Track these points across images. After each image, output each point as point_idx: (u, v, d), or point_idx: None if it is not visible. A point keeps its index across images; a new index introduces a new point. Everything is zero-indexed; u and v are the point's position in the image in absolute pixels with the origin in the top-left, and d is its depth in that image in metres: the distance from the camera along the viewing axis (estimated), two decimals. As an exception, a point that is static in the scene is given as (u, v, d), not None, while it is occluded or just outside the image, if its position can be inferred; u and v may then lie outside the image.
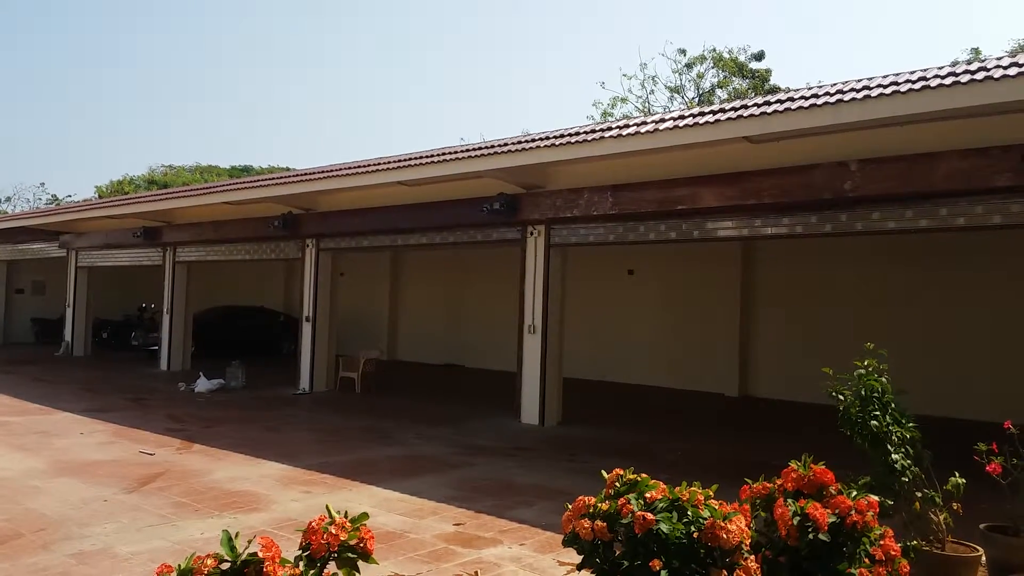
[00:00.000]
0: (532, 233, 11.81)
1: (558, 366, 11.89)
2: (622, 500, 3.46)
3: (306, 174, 14.45)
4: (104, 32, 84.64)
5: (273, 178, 16.26)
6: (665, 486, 3.56)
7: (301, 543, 2.93)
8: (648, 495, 3.48)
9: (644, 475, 3.67)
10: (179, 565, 2.69)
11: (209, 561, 2.69)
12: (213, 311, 22.20)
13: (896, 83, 7.39)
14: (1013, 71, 6.65)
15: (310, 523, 2.95)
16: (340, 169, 13.51)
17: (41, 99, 79.53)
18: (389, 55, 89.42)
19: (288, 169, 30.99)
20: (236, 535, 2.82)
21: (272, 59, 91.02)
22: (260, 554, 2.71)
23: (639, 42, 72.36)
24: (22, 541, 5.61)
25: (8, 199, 46.08)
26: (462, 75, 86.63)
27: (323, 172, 13.80)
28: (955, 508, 4.71)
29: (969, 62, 7.59)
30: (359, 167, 13.03)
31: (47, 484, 7.35)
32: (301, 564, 2.84)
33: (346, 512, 3.07)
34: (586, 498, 3.56)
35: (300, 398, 14.61)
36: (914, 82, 7.23)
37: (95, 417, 11.34)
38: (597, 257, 15.83)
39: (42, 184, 56.09)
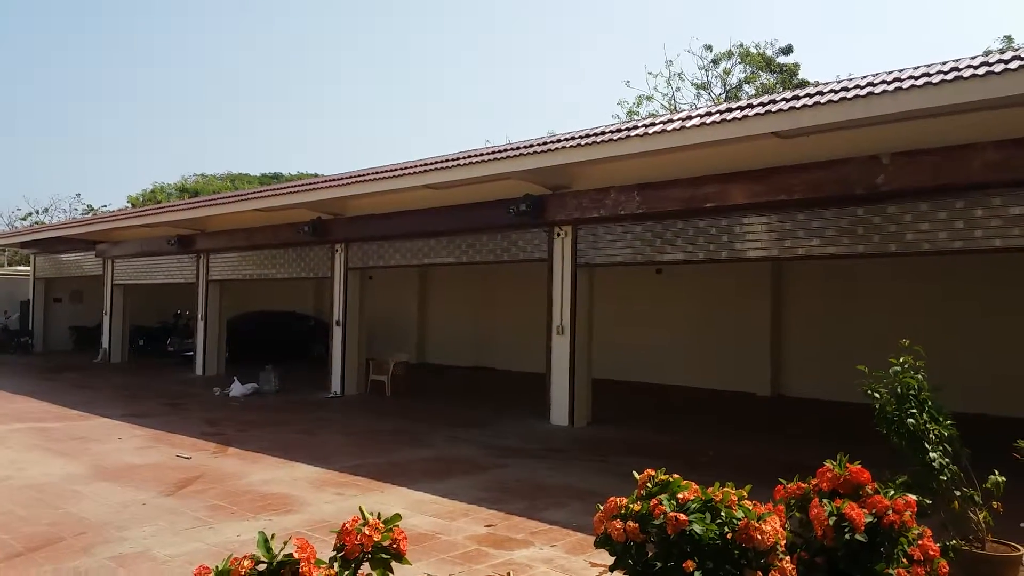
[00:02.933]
0: (559, 234, 11.80)
1: (587, 367, 11.86)
2: (654, 501, 3.45)
3: (334, 180, 14.60)
4: (133, 44, 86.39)
5: (302, 184, 16.45)
6: (698, 487, 3.54)
7: (335, 544, 2.96)
8: (680, 496, 3.46)
9: (676, 476, 3.65)
10: (216, 567, 2.74)
11: (246, 562, 2.73)
12: (246, 316, 22.52)
13: (928, 74, 7.26)
14: (1049, 59, 6.50)
15: (344, 524, 2.98)
16: (368, 174, 13.62)
17: (75, 111, 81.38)
18: (416, 58, 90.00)
19: (317, 175, 31.34)
20: (272, 536, 2.87)
21: (300, 66, 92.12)
22: (296, 555, 2.75)
23: (664, 39, 71.87)
24: (63, 545, 5.74)
25: (46, 210, 47.15)
26: (488, 77, 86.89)
27: (351, 177, 13.92)
28: (995, 507, 4.61)
29: (1002, 51, 7.43)
30: (386, 172, 13.13)
31: (87, 488, 7.51)
32: (336, 565, 2.87)
33: (379, 513, 3.10)
34: (618, 499, 3.55)
35: (332, 401, 14.75)
36: (946, 73, 7.09)
37: (133, 422, 11.57)
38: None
39: (78, 195, 57.29)
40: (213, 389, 15.67)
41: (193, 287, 19.46)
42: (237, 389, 15.14)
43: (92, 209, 45.01)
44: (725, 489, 3.47)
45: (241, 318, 22.04)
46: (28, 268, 28.20)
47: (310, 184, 15.67)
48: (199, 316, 19.23)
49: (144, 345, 23.97)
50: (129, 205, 43.04)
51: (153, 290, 24.11)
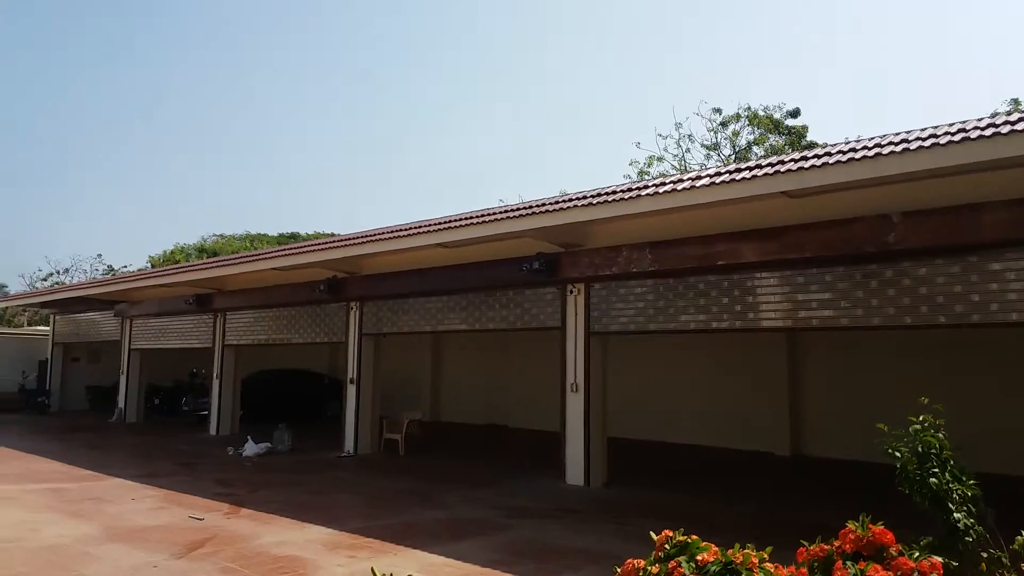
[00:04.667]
0: (572, 291, 11.86)
1: (602, 425, 11.76)
2: (672, 563, 3.41)
3: (349, 239, 14.82)
4: (154, 105, 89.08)
5: (317, 244, 16.70)
6: (717, 549, 3.49)
7: (351, 607, 2.93)
8: (700, 557, 3.42)
9: (695, 537, 3.61)
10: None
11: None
12: (260, 374, 22.58)
13: (935, 135, 7.37)
14: (1055, 119, 6.60)
15: (360, 587, 2.96)
16: (382, 233, 13.82)
17: (97, 173, 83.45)
18: (430, 122, 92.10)
19: (333, 235, 31.78)
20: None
21: (318, 129, 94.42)
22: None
23: (673, 102, 73.33)
24: (76, 607, 5.68)
25: (67, 270, 47.89)
26: (500, 140, 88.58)
27: (365, 236, 14.13)
28: (1023, 568, 4.50)
29: (1009, 112, 7.54)
30: (400, 231, 13.32)
31: (99, 550, 7.46)
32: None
33: (392, 575, 3.08)
34: (635, 561, 3.51)
35: (345, 461, 14.64)
36: (953, 134, 7.20)
37: (146, 483, 11.52)
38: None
39: (99, 255, 58.30)
40: (227, 449, 15.62)
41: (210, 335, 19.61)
42: (251, 448, 15.08)
43: (112, 270, 45.70)
44: (745, 551, 3.42)
45: (256, 376, 22.10)
46: (47, 328, 28.52)
47: (325, 243, 15.90)
48: (214, 375, 19.30)
49: (159, 404, 24.03)
50: (149, 265, 43.69)
51: (170, 349, 24.30)
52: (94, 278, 41.15)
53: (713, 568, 3.31)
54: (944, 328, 8.70)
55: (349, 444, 15.38)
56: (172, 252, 46.52)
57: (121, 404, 22.50)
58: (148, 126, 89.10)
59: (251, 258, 17.63)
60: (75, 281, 41.99)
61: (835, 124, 55.14)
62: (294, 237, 46.14)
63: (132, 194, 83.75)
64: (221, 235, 49.43)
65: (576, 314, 11.80)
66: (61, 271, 47.73)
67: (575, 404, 11.70)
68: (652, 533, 3.72)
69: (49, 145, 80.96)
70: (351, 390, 15.59)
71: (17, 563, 6.91)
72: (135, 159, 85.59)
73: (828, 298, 9.20)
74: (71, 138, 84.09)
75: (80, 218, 78.71)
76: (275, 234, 48.89)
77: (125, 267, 45.43)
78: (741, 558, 3.36)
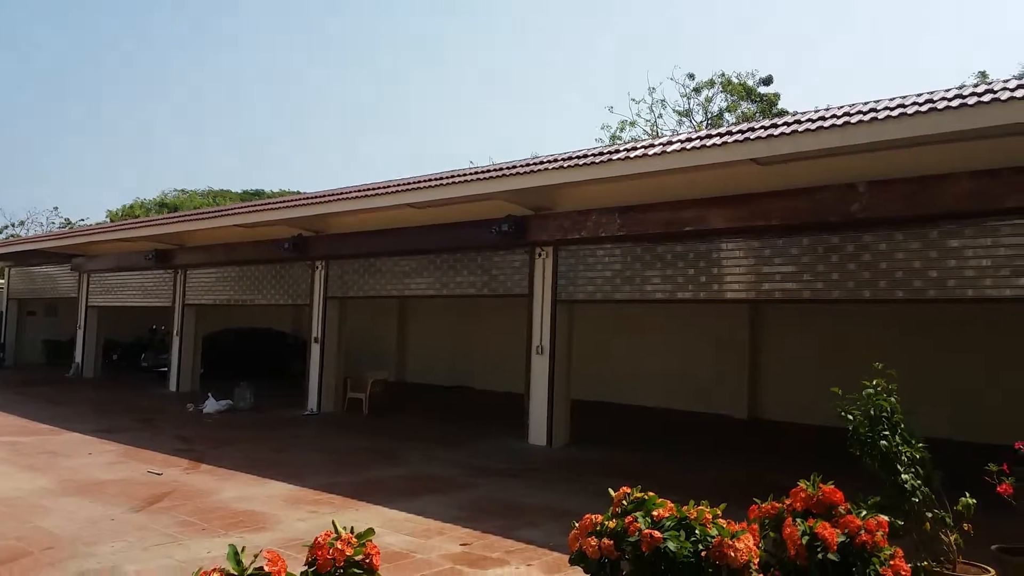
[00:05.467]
0: (540, 254, 11.86)
1: (566, 387, 11.87)
2: (629, 518, 3.46)
3: (316, 197, 14.58)
4: (115, 55, 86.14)
5: (283, 201, 16.41)
6: (673, 505, 3.55)
7: (307, 558, 2.93)
8: (655, 513, 3.47)
9: (652, 494, 3.66)
10: (186, 579, 2.70)
11: (215, 575, 2.69)
12: (222, 332, 22.30)
13: (903, 105, 7.43)
14: (1020, 93, 6.68)
15: (316, 538, 2.96)
16: (349, 192, 13.62)
17: (53, 124, 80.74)
18: (400, 81, 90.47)
19: (299, 193, 31.27)
20: (242, 550, 2.83)
21: (284, 84, 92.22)
22: (266, 568, 2.72)
23: (647, 67, 72.88)
24: (31, 559, 5.61)
25: (22, 223, 46.57)
26: (471, 100, 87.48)
27: (333, 195, 13.91)
28: (966, 528, 4.66)
29: (976, 85, 7.63)
30: (368, 189, 13.14)
31: (55, 503, 7.36)
32: (307, 579, 2.84)
33: (352, 528, 3.07)
34: (593, 516, 3.55)
35: (308, 419, 14.60)
36: (921, 104, 7.26)
37: (104, 437, 11.37)
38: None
39: (55, 208, 56.78)
40: (187, 405, 15.46)
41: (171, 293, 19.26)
42: (211, 405, 14.94)
43: (70, 223, 44.53)
44: (700, 507, 3.49)
45: (217, 334, 21.82)
46: (1, 281, 27.78)
47: (292, 201, 15.63)
48: (174, 332, 19.01)
49: (118, 360, 23.64)
50: (108, 220, 42.62)
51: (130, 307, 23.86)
52: (50, 231, 40.06)
53: (668, 523, 3.37)
54: (900, 302, 8.88)
55: (312, 403, 15.33)
56: (132, 207, 45.45)
57: (78, 359, 22.09)
58: (107, 74, 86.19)
59: (215, 214, 17.28)
60: (31, 234, 40.82)
61: (807, 93, 55.47)
62: (258, 194, 45.33)
63: (90, 146, 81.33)
64: (183, 190, 48.40)
65: (544, 280, 11.80)
66: (16, 223, 46.42)
67: (540, 366, 11.78)
68: (610, 490, 3.77)
69: (2, 95, 77.95)
70: (315, 349, 15.48)
71: (-31, 515, 6.79)
72: (93, 108, 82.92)
73: (791, 271, 9.33)
74: (26, 85, 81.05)
75: (35, 169, 76.29)
76: (239, 191, 47.97)
77: (82, 220, 44.30)
78: (695, 514, 3.42)
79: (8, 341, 25.55)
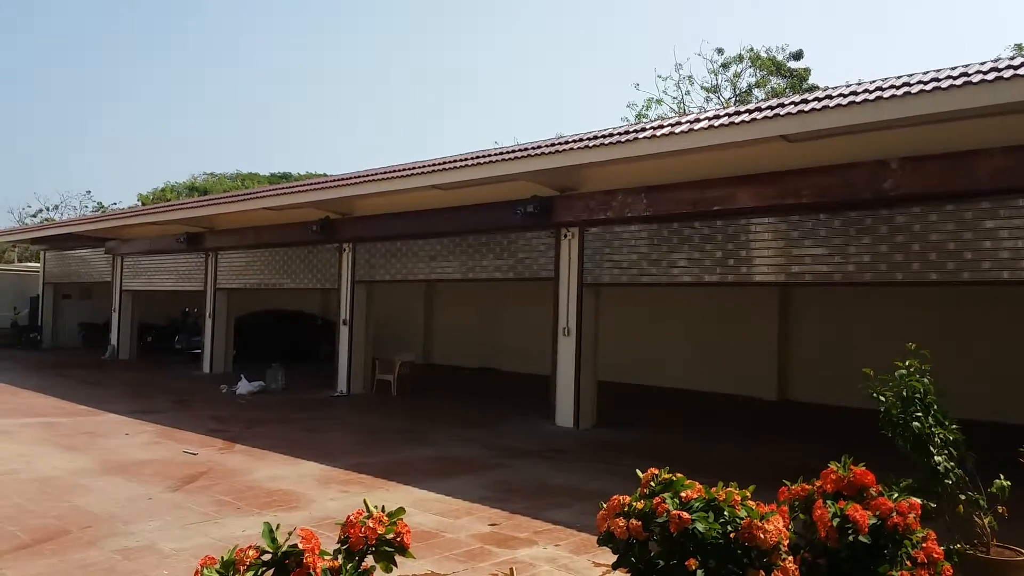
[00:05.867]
0: (566, 235, 11.81)
1: (592, 369, 11.87)
2: (657, 499, 3.45)
3: (343, 179, 14.65)
4: (147, 42, 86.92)
5: (311, 183, 16.51)
6: (701, 486, 3.54)
7: (339, 536, 2.98)
8: (684, 494, 3.46)
9: (680, 475, 3.65)
10: (222, 557, 2.76)
11: (251, 552, 2.75)
12: (254, 315, 22.61)
13: (937, 79, 7.24)
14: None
15: (348, 517, 3.00)
16: (376, 173, 13.67)
17: (86, 109, 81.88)
18: (426, 60, 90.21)
19: (326, 175, 31.46)
20: (276, 528, 2.89)
21: (312, 68, 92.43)
22: (300, 546, 2.77)
23: (674, 42, 71.81)
24: (70, 538, 5.78)
25: (56, 207, 47.45)
26: (496, 79, 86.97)
27: (359, 177, 13.97)
28: (1000, 511, 4.60)
29: (1012, 58, 7.41)
30: (394, 171, 13.17)
31: (94, 483, 7.56)
32: (340, 557, 2.89)
33: (383, 507, 3.12)
34: (621, 497, 3.56)
35: (337, 400, 14.79)
36: (955, 78, 7.07)
37: (140, 418, 11.63)
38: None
39: (88, 192, 57.73)
40: (220, 387, 15.74)
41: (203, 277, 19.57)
42: (244, 387, 15.20)
43: (102, 207, 45.28)
44: (729, 489, 3.47)
45: (249, 316, 22.14)
46: (38, 264, 28.37)
47: (319, 183, 15.72)
48: (207, 314, 19.33)
49: (152, 342, 24.12)
50: (139, 203, 43.27)
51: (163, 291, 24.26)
52: (83, 215, 40.77)
53: (696, 504, 3.36)
54: (934, 285, 8.72)
55: (342, 384, 15.51)
56: (162, 190, 46.05)
57: (114, 341, 22.56)
58: (138, 59, 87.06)
59: (244, 196, 17.45)
60: (64, 218, 41.60)
61: (838, 67, 54.32)
62: (286, 177, 45.65)
63: (123, 130, 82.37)
64: (211, 174, 48.89)
65: (569, 262, 11.76)
66: (50, 207, 47.31)
67: (566, 347, 11.78)
68: (638, 471, 3.76)
69: (37, 79, 79.16)
70: (344, 331, 15.64)
71: (11, 494, 7.00)
72: (126, 93, 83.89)
73: (822, 252, 9.19)
74: (58, 72, 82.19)
75: (69, 153, 77.55)
76: (267, 174, 48.35)
77: (114, 204, 45.01)
78: (724, 495, 3.40)
79: (45, 324, 26.15)
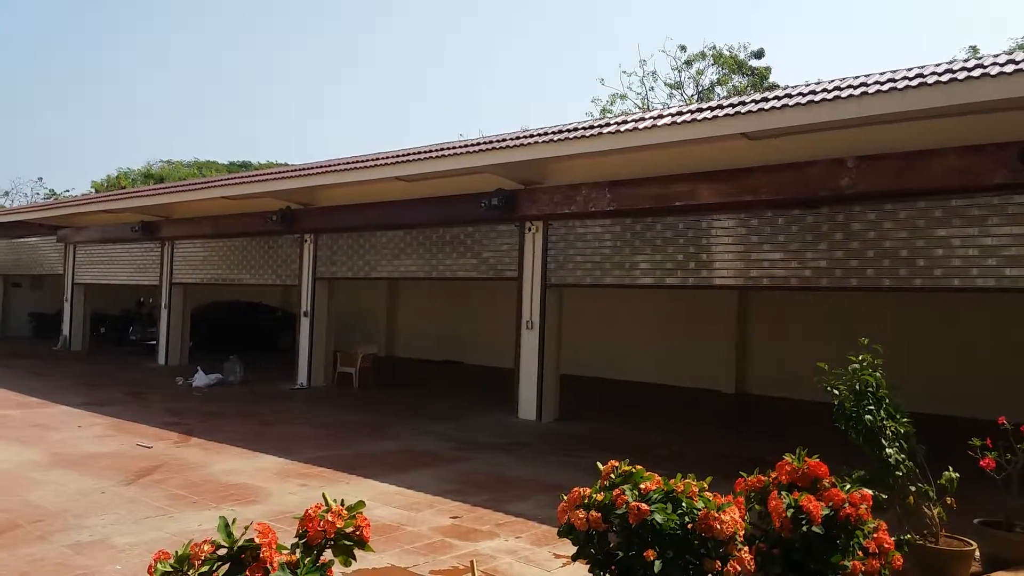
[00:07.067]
0: (530, 229, 11.83)
1: (555, 362, 11.92)
2: (617, 491, 3.49)
3: (304, 169, 14.46)
4: (101, 27, 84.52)
5: (271, 173, 16.27)
6: (660, 478, 3.58)
7: (298, 530, 2.94)
8: (643, 486, 3.50)
9: (639, 467, 3.69)
10: (176, 552, 2.71)
11: (206, 547, 2.70)
12: (211, 306, 22.20)
13: (893, 80, 7.42)
14: (1010, 68, 6.68)
15: (307, 510, 2.97)
16: (338, 164, 13.51)
17: (38, 94, 79.39)
18: (389, 53, 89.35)
19: (286, 165, 30.99)
20: (233, 522, 2.84)
21: (272, 56, 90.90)
22: (257, 540, 2.72)
23: (639, 39, 72.33)
24: (20, 532, 5.62)
25: (6, 194, 46.00)
26: (461, 73, 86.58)
27: (321, 167, 13.80)
28: (949, 502, 4.74)
29: (967, 60, 7.62)
30: (357, 162, 13.03)
31: (44, 476, 7.36)
32: (298, 551, 2.86)
33: (342, 500, 3.09)
34: (581, 489, 3.58)
35: (297, 393, 14.62)
36: (911, 79, 7.25)
37: (93, 411, 11.35)
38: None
39: (40, 179, 55.90)
40: (176, 379, 15.43)
41: (159, 277, 19.12)
42: (200, 379, 14.92)
43: (54, 194, 44.00)
44: (687, 481, 3.52)
45: (207, 307, 21.73)
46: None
47: (280, 172, 15.50)
48: (162, 305, 18.92)
49: (106, 333, 23.52)
50: (92, 191, 42.13)
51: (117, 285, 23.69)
52: (35, 202, 39.57)
53: (655, 496, 3.40)
54: (889, 290, 8.94)
55: (302, 377, 15.33)
56: (117, 177, 44.91)
57: (65, 332, 21.97)
58: (91, 45, 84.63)
59: (203, 185, 17.14)
60: (15, 205, 40.32)
61: (799, 67, 55.22)
62: (245, 166, 44.89)
63: (74, 115, 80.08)
64: (168, 161, 47.84)
65: (534, 256, 11.77)
66: (0, 194, 45.83)
67: (530, 341, 11.81)
68: (599, 463, 3.79)
69: (-16, 60, 76.44)
70: (304, 323, 15.46)
71: (-43, 488, 6.78)
72: (78, 78, 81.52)
73: (779, 258, 9.36)
74: (8, 57, 79.45)
75: (19, 139, 75.13)
76: (225, 162, 47.49)
77: (67, 191, 43.78)
78: (682, 487, 3.45)
79: (-7, 314, 25.37)
